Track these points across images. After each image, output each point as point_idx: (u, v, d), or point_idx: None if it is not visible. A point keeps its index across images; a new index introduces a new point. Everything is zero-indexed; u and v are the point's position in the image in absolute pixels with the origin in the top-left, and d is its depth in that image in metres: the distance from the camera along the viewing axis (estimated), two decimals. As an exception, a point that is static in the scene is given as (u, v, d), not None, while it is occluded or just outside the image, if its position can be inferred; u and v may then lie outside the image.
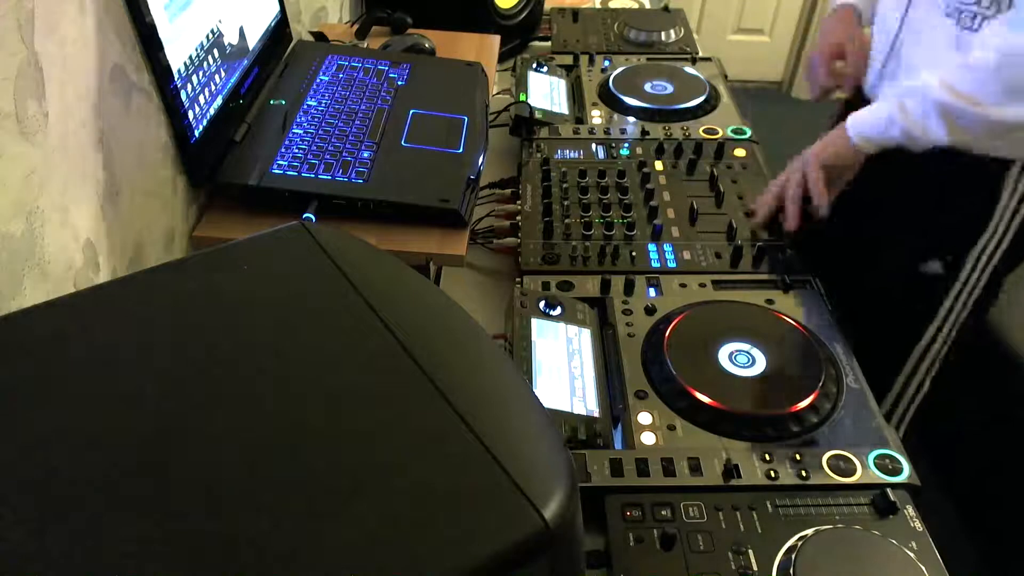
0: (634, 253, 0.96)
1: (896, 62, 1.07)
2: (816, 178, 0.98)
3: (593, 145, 1.16)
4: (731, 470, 0.69)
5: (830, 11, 1.24)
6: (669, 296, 0.90)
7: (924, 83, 0.90)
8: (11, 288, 0.60)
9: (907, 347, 1.11)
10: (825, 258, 0.97)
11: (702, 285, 0.92)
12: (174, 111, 0.83)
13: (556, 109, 1.26)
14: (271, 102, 1.03)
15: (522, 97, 1.23)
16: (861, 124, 0.97)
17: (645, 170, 1.10)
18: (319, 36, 1.30)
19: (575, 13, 1.58)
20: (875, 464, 0.71)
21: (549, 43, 1.51)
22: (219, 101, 0.93)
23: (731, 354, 0.81)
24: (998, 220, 1.02)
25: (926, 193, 1.03)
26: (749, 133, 1.20)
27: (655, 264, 0.95)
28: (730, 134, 1.19)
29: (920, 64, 1.01)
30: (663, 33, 1.50)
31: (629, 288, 0.91)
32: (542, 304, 0.86)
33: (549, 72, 1.35)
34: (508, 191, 1.12)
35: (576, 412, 0.75)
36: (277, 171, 0.91)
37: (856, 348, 0.83)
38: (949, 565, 0.63)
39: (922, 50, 1.02)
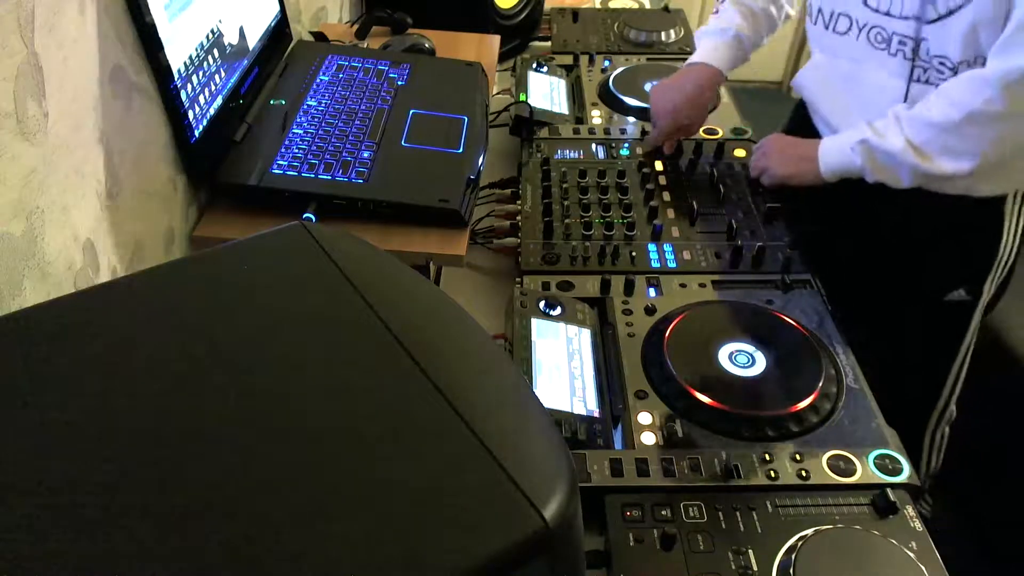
0: (634, 253, 0.96)
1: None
2: (769, 184, 1.07)
3: (593, 145, 1.16)
4: (731, 470, 0.69)
5: (688, 64, 1.17)
6: (669, 296, 0.90)
7: (891, 144, 0.93)
8: (11, 288, 0.60)
9: (943, 369, 1.14)
10: (845, 284, 0.99)
11: (702, 285, 0.92)
12: (174, 111, 0.83)
13: (556, 109, 1.26)
14: (271, 102, 1.03)
15: (522, 97, 1.23)
16: (834, 165, 1.00)
17: (645, 170, 1.10)
18: (319, 36, 1.30)
19: (575, 13, 1.58)
20: (875, 464, 0.70)
21: (549, 43, 1.51)
22: (219, 101, 0.93)
23: (731, 354, 0.81)
24: (1004, 246, 1.05)
25: (940, 229, 1.05)
26: (749, 133, 1.20)
27: (655, 264, 0.95)
28: (730, 134, 1.19)
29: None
30: (663, 33, 1.50)
31: (629, 288, 0.90)
32: (542, 304, 0.86)
33: (549, 72, 1.35)
34: (508, 191, 1.12)
35: (576, 412, 0.75)
36: (277, 171, 0.91)
37: (879, 372, 0.84)
38: (949, 565, 0.63)
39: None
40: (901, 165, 0.93)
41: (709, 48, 1.16)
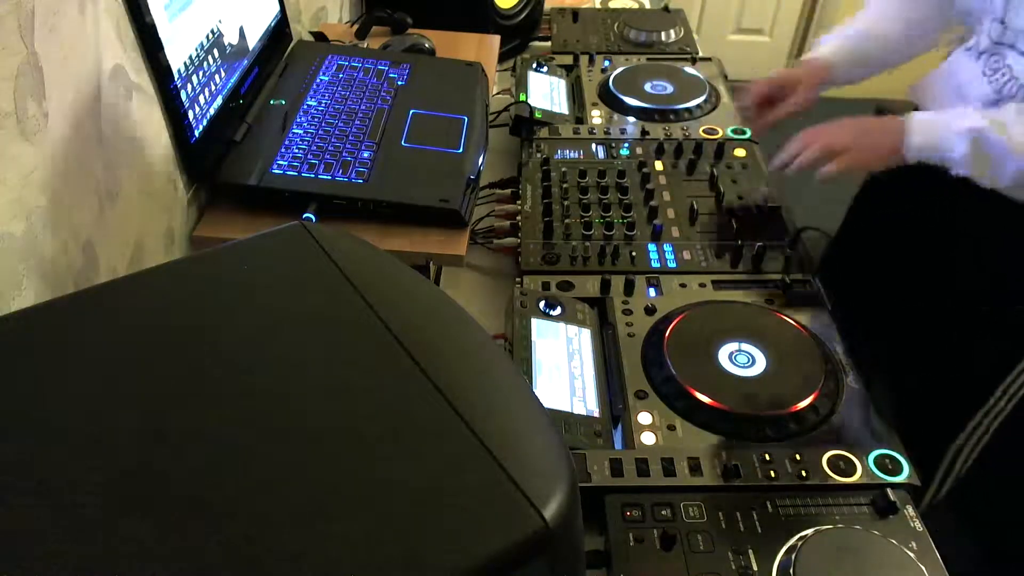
0: (634, 253, 0.96)
1: None
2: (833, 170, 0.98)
3: (593, 145, 1.16)
4: (731, 470, 0.69)
5: (803, 59, 1.19)
6: (669, 296, 0.90)
7: (1015, 140, 0.87)
8: (11, 288, 0.60)
9: (987, 385, 1.08)
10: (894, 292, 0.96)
11: (702, 285, 0.92)
12: (174, 111, 0.83)
13: (556, 109, 1.26)
14: (271, 102, 1.03)
15: (522, 97, 1.23)
16: (922, 144, 0.94)
17: (645, 170, 1.10)
18: (319, 36, 1.30)
19: (575, 13, 1.58)
20: (875, 464, 0.71)
21: (549, 43, 1.51)
22: (219, 101, 0.93)
23: (731, 354, 0.81)
24: None
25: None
26: (749, 133, 1.20)
27: (655, 264, 0.95)
28: (730, 134, 1.19)
29: None
30: (663, 33, 1.50)
31: (629, 288, 0.90)
32: (542, 304, 0.86)
33: (549, 72, 1.35)
34: (508, 191, 1.12)
35: (576, 412, 0.75)
36: (277, 171, 0.91)
37: (879, 372, 0.82)
38: (949, 565, 0.63)
39: None
40: (1008, 163, 0.87)
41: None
